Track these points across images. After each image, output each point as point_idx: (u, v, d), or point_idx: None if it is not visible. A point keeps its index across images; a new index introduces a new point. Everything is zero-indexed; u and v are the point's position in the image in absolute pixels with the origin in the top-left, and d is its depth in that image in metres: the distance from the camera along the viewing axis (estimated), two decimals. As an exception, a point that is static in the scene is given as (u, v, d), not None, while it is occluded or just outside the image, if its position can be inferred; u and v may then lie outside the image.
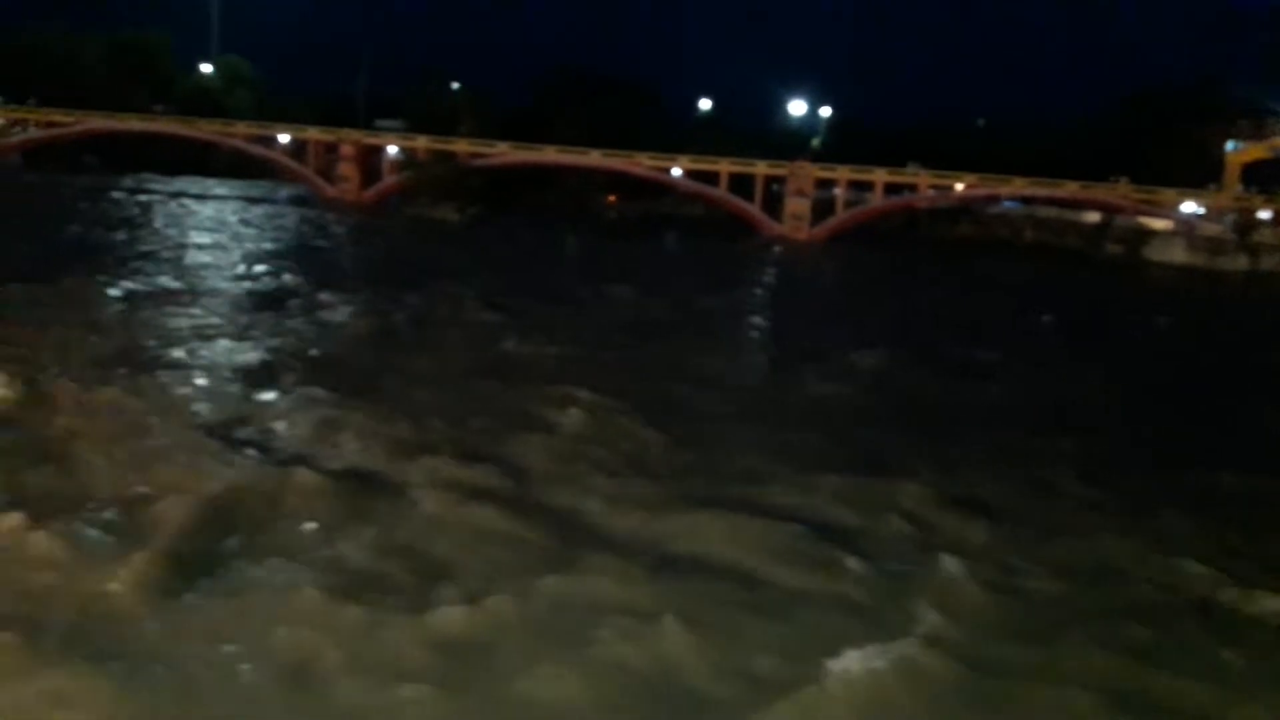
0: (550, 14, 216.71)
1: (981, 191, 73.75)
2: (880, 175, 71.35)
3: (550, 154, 75.04)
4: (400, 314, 25.97)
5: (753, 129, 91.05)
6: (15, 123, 78.23)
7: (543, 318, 26.94)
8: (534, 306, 28.55)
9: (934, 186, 72.77)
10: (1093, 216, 79.01)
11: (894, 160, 74.35)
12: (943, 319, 34.74)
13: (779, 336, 28.96)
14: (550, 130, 77.59)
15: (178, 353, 19.21)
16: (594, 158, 74.45)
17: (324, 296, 27.22)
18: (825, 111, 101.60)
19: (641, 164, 73.06)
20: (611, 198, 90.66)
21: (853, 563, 11.23)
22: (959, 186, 72.99)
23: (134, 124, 76.62)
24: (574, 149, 75.97)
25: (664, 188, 79.47)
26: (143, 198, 62.09)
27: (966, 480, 14.78)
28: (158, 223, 47.47)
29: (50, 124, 75.64)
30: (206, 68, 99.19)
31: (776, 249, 62.81)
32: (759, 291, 42.50)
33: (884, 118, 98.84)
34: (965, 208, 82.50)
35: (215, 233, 44.57)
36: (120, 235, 40.64)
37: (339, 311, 25.64)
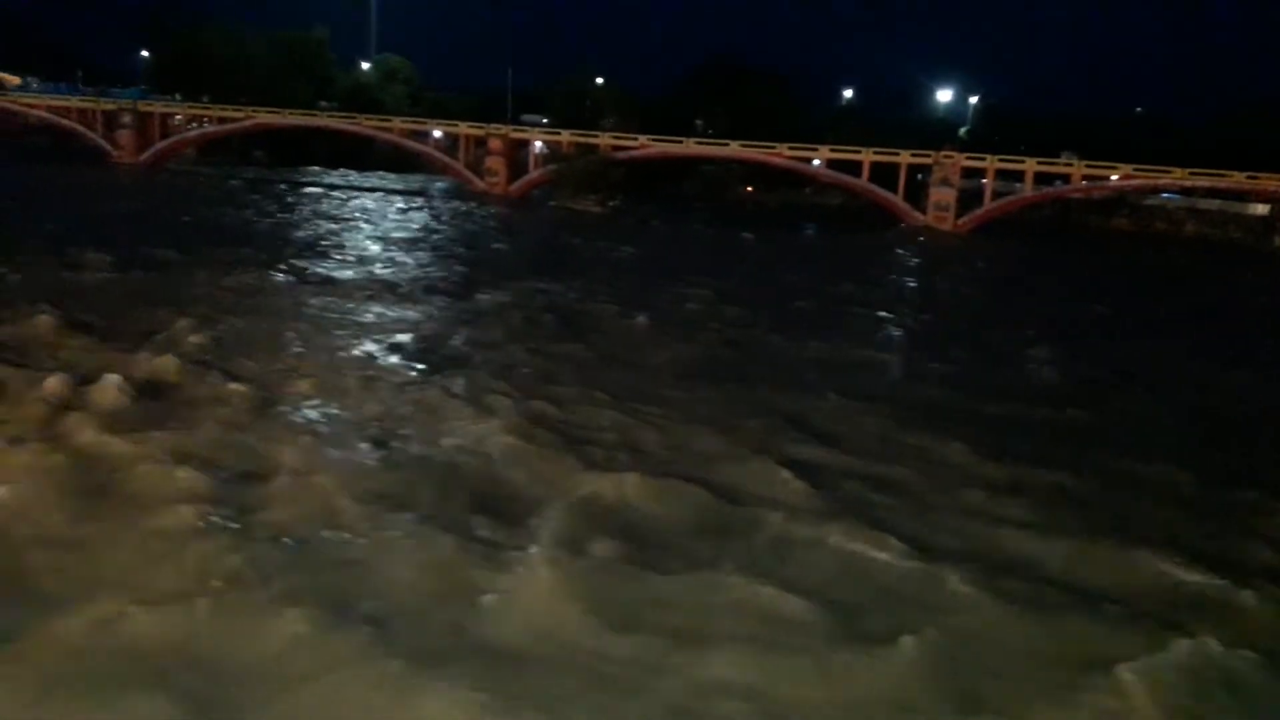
0: (694, 8, 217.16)
1: (1139, 182, 70.41)
2: (1031, 164, 69.03)
3: (690, 146, 75.78)
4: (551, 299, 26.92)
5: (896, 118, 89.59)
6: (192, 119, 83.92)
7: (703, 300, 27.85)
8: (690, 290, 29.39)
9: (1088, 177, 69.91)
10: (1259, 209, 74.55)
11: (1046, 149, 71.94)
12: (1113, 318, 33.36)
13: (950, 335, 27.41)
14: (690, 122, 78.41)
15: (373, 340, 20.22)
16: (733, 149, 74.70)
17: (488, 283, 28.52)
18: (973, 99, 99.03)
19: (781, 154, 72.85)
20: (749, 188, 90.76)
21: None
22: (1114, 177, 69.94)
23: (298, 119, 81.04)
24: (713, 141, 76.48)
25: (803, 177, 79.07)
26: (307, 189, 65.88)
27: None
28: (322, 213, 50.31)
29: (222, 119, 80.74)
30: (365, 65, 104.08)
31: (920, 239, 61.69)
32: (911, 283, 42.19)
33: (1036, 105, 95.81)
34: (1121, 199, 79.13)
35: (376, 223, 46.95)
36: (287, 224, 43.31)
37: (510, 295, 26.80)
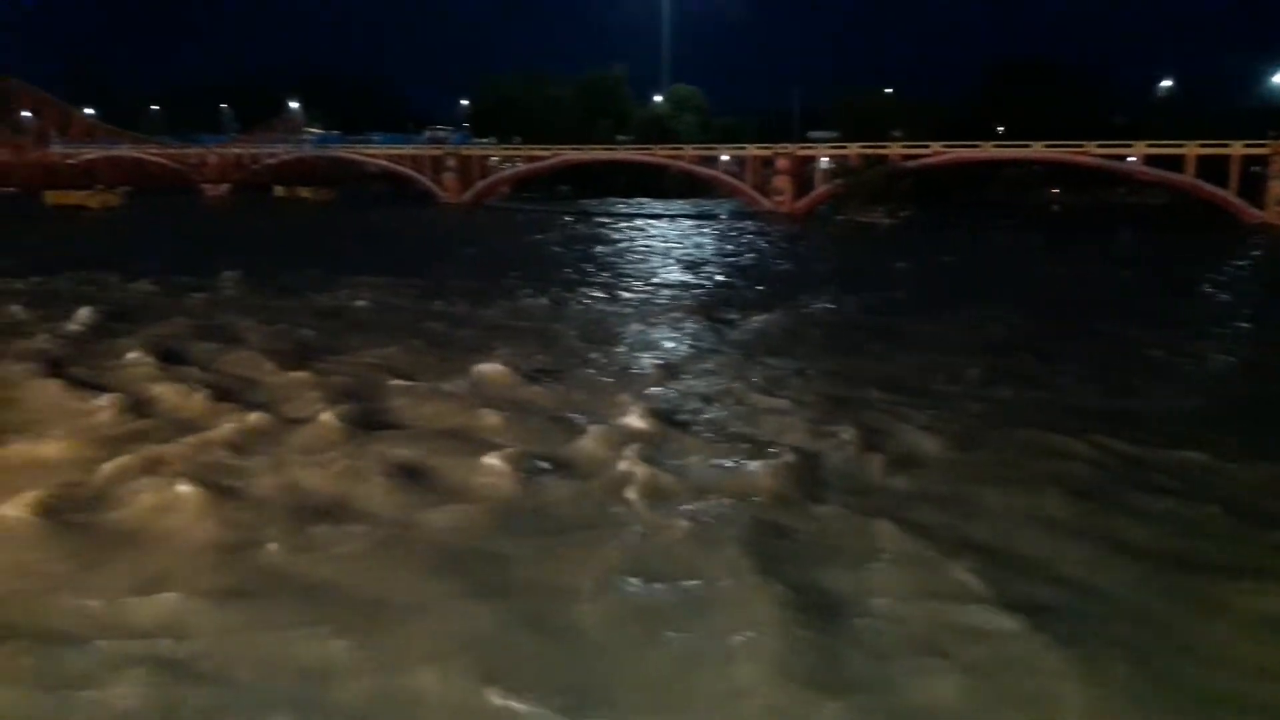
0: (983, 14, 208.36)
1: None
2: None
3: (987, 150, 72.77)
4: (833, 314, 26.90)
5: (1221, 108, 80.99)
6: (506, 159, 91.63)
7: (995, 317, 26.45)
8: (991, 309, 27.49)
9: None
10: None
11: None
12: None
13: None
14: (986, 126, 75.27)
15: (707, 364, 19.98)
16: (1036, 150, 70.88)
17: (784, 297, 28.81)
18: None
19: (1090, 153, 68.13)
20: (1054, 190, 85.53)
21: None
22: None
23: (599, 154, 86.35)
24: (1013, 143, 72.91)
25: (1116, 176, 73.46)
26: (607, 218, 69.92)
27: None
28: (621, 238, 53.29)
29: (532, 158, 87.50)
30: (657, 98, 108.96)
31: (1261, 239, 55.13)
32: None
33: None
34: None
35: (673, 245, 49.11)
36: (591, 250, 46.18)
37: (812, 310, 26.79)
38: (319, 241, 50.48)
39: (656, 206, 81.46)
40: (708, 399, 16.54)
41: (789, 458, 12.95)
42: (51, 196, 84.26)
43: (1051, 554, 10.17)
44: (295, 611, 8.75)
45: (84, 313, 23.33)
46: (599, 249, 47.11)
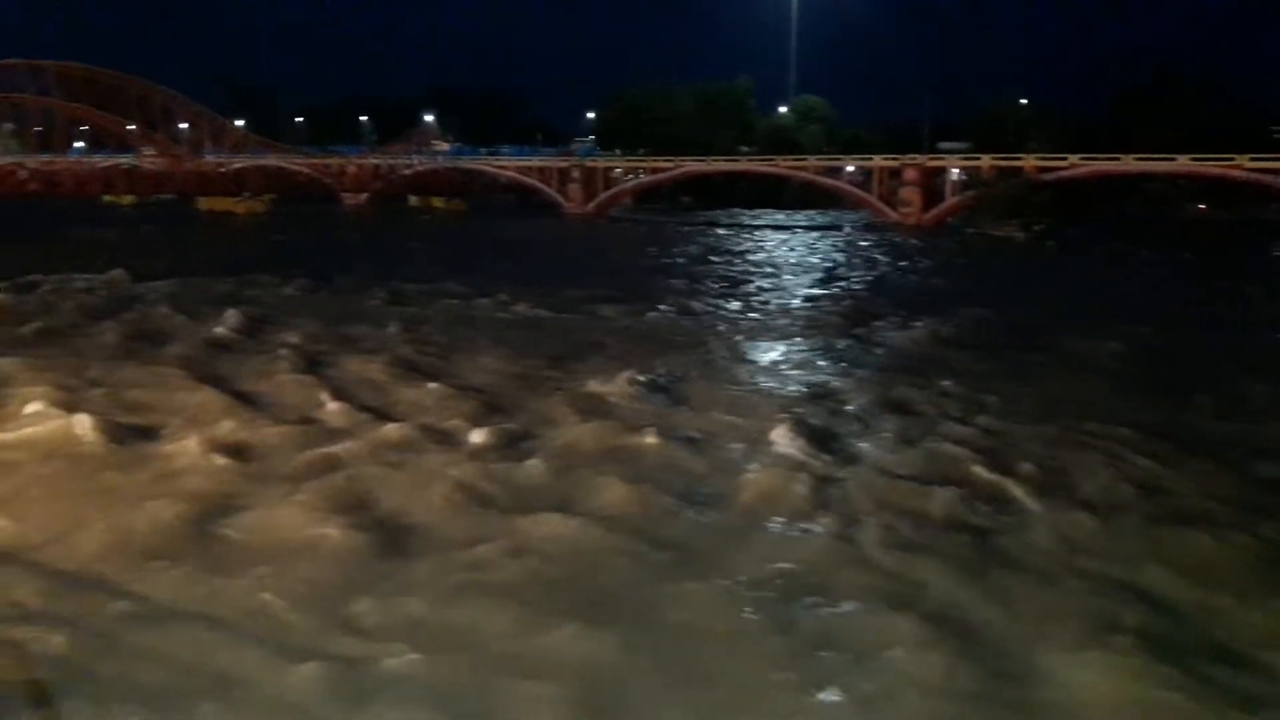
0: (1128, 22, 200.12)
1: None
2: None
3: (1129, 163, 69.82)
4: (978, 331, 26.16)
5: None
6: (629, 170, 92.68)
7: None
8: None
9: None
10: None
11: None
12: None
13: None
14: (1129, 138, 72.25)
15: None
16: (1181, 163, 67.73)
17: (926, 309, 28.16)
18: None
19: (1241, 166, 64.68)
20: (1201, 205, 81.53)
21: None
22: None
23: (721, 165, 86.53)
24: (1157, 156, 69.74)
25: (1270, 192, 69.46)
26: (728, 229, 69.91)
27: None
28: (742, 249, 53.18)
29: (655, 170, 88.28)
30: (782, 109, 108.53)
31: None
32: None
33: None
34: None
35: (801, 256, 48.81)
36: (714, 261, 46.25)
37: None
38: (453, 250, 52.04)
39: (779, 217, 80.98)
40: (862, 422, 15.71)
41: (958, 493, 12.02)
42: (203, 203, 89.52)
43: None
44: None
45: (231, 314, 24.47)
46: (725, 260, 47.15)
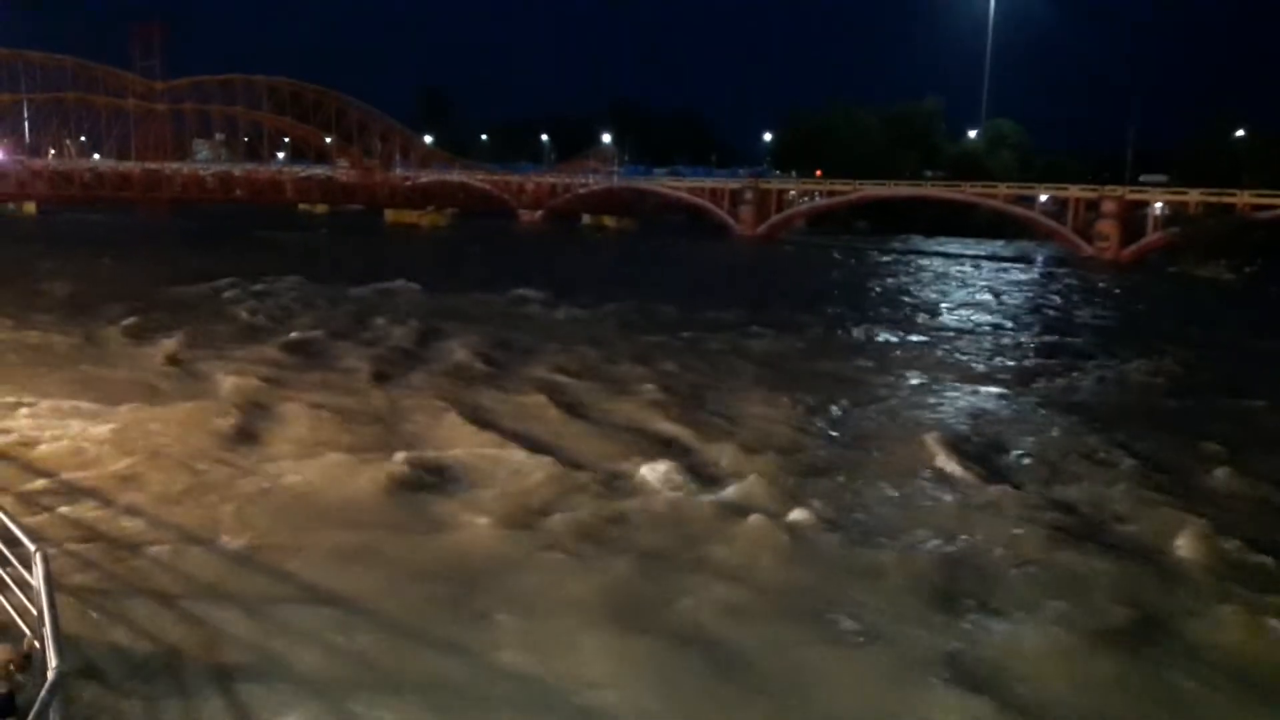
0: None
1: None
2: None
3: (1363, 201, 63.23)
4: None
5: None
6: (804, 193, 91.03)
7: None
8: None
9: None
10: None
11: None
12: None
13: None
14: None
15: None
16: None
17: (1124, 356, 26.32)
18: None
19: None
20: None
21: None
22: None
23: (902, 189, 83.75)
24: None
25: None
26: (909, 257, 67.29)
27: None
28: (924, 280, 50.89)
29: (831, 193, 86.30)
30: (972, 133, 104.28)
31: None
32: None
33: None
34: None
35: (986, 290, 46.07)
36: (898, 290, 44.31)
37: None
38: (623, 270, 52.10)
39: (962, 246, 77.34)
40: (1048, 483, 15.07)
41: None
42: (390, 214, 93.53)
43: None
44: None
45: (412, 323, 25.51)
46: (902, 289, 45.15)
